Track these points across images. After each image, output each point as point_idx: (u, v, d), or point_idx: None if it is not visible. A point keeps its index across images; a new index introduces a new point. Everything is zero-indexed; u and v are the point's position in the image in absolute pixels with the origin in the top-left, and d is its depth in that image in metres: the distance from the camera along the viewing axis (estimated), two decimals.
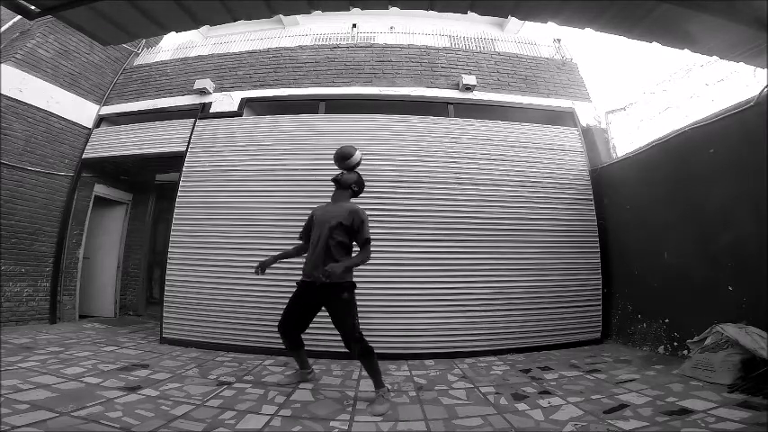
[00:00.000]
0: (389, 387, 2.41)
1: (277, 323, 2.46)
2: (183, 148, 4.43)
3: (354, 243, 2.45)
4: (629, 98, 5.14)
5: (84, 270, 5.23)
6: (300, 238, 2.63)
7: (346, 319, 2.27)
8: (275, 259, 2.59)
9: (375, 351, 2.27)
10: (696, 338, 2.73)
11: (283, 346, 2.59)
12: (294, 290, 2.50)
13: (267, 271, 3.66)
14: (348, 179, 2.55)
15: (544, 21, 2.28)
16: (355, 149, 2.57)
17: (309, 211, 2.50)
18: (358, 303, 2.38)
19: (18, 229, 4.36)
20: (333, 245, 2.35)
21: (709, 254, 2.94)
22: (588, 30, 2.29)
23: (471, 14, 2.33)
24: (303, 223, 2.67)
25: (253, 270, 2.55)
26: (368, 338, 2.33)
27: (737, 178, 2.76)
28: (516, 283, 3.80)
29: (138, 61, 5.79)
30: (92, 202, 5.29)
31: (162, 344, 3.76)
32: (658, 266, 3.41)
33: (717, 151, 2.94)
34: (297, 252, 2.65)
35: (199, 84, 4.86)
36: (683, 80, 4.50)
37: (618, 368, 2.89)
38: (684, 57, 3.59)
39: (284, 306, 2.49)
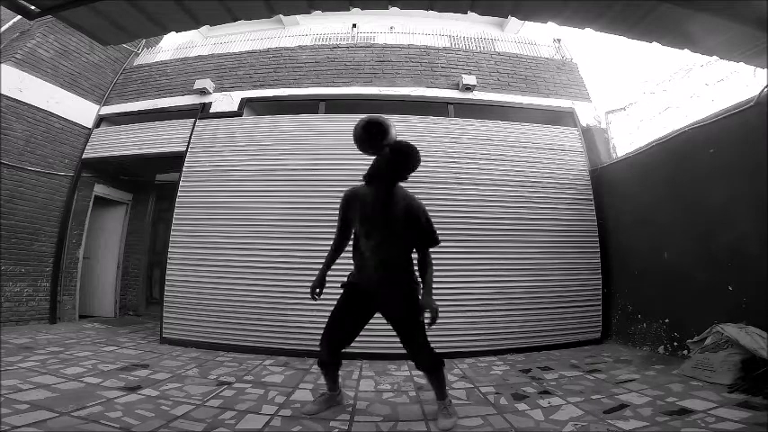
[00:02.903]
0: (451, 398, 2.11)
1: (322, 338, 1.98)
2: (183, 148, 4.42)
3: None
4: (629, 98, 5.15)
5: (84, 270, 5.23)
6: (340, 238, 2.07)
7: (419, 331, 1.90)
8: (325, 273, 2.06)
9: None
10: (696, 338, 2.73)
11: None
12: (342, 296, 2.00)
13: (266, 270, 3.75)
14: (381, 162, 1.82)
15: (544, 21, 2.28)
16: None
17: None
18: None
19: (18, 229, 4.37)
20: (404, 251, 1.92)
21: (709, 254, 2.94)
22: (588, 30, 2.29)
23: (471, 14, 2.33)
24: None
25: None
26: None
27: (737, 178, 2.76)
28: (516, 283, 3.80)
29: (138, 61, 5.80)
30: (92, 202, 5.29)
31: (162, 344, 3.75)
32: (658, 266, 3.41)
33: (717, 151, 2.94)
34: (336, 252, 2.10)
35: (199, 84, 4.86)
36: (683, 80, 4.50)
37: (618, 368, 2.88)
38: (684, 57, 3.60)
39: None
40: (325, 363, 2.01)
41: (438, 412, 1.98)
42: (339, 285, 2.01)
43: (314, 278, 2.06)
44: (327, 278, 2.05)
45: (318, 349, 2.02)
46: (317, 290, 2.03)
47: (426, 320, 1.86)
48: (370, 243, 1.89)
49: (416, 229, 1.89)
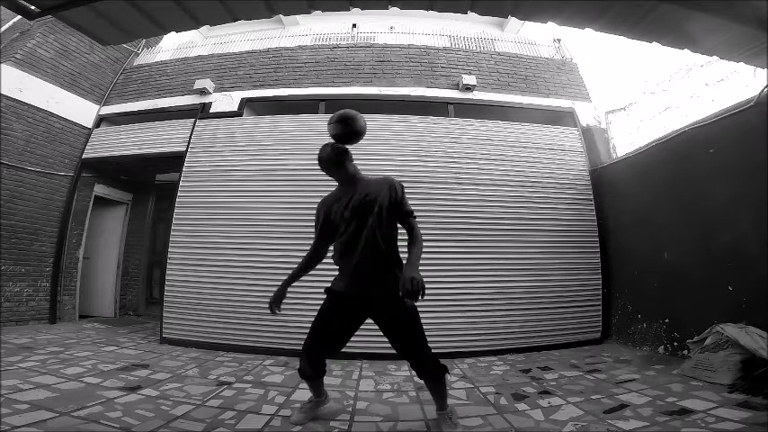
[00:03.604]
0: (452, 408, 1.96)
1: (303, 350, 1.85)
2: (183, 148, 4.43)
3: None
4: (629, 98, 5.15)
5: (84, 270, 5.23)
6: (321, 242, 1.92)
7: (417, 334, 1.74)
8: (285, 288, 1.95)
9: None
10: (696, 338, 2.73)
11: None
12: (325, 302, 1.84)
13: (266, 270, 3.75)
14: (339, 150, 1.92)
15: (544, 21, 2.28)
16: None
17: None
18: None
19: (18, 229, 4.37)
20: (384, 240, 1.75)
21: (709, 253, 2.94)
22: (588, 30, 2.29)
23: (471, 14, 2.33)
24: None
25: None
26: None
27: (737, 178, 2.76)
28: (516, 283, 3.80)
29: (138, 61, 5.80)
30: (92, 202, 5.29)
31: (162, 344, 3.76)
32: (658, 266, 3.41)
33: (717, 151, 2.94)
34: (309, 264, 1.96)
35: (199, 84, 4.86)
36: (683, 80, 4.50)
37: (618, 368, 2.88)
38: (684, 57, 3.60)
39: (285, 307, 2.09)
40: (307, 376, 1.86)
41: (440, 423, 1.84)
42: (323, 290, 1.86)
43: (306, 282, 1.91)
44: (309, 281, 1.94)
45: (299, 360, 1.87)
46: (276, 304, 1.89)
47: (408, 297, 1.48)
48: (351, 240, 1.77)
49: (393, 205, 1.77)
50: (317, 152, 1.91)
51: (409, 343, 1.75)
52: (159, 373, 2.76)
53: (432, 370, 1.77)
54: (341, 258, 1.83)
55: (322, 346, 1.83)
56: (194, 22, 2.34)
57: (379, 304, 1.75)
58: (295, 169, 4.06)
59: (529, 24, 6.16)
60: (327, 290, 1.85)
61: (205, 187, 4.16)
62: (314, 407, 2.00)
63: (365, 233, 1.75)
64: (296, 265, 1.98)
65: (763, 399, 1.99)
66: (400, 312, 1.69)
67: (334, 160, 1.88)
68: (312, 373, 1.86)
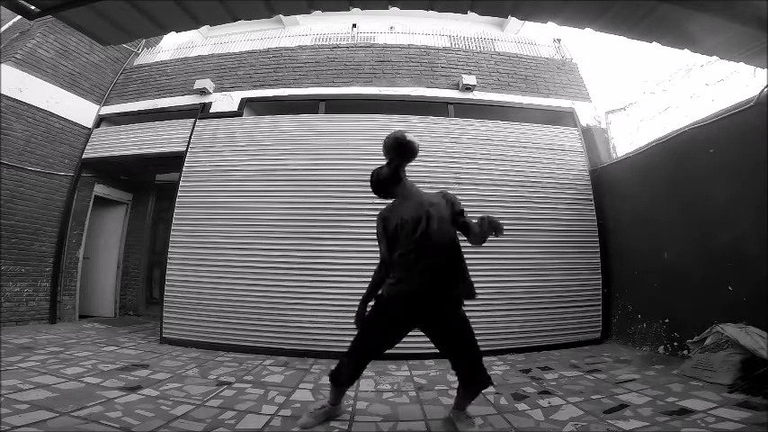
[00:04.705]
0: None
1: (348, 359, 1.88)
2: (183, 148, 4.43)
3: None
4: (629, 98, 5.15)
5: (84, 270, 5.23)
6: (389, 254, 1.89)
7: (473, 341, 1.85)
8: (366, 305, 1.94)
9: None
10: (696, 338, 2.73)
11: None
12: (376, 311, 1.85)
13: (266, 270, 3.75)
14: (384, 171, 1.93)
15: (544, 21, 2.28)
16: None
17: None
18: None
19: (18, 229, 4.37)
20: (449, 245, 1.86)
21: (709, 253, 2.94)
22: (588, 30, 2.29)
23: (471, 14, 2.34)
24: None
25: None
26: None
27: (737, 178, 2.76)
28: (516, 283, 3.79)
29: (138, 61, 5.80)
30: (92, 202, 5.30)
31: (162, 344, 3.76)
32: (658, 266, 3.41)
33: (717, 151, 2.94)
34: (381, 282, 1.92)
35: (199, 84, 4.86)
36: (683, 80, 4.50)
37: (618, 368, 2.89)
38: (684, 57, 3.60)
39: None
40: (341, 383, 1.89)
41: (456, 421, 1.89)
42: (373, 299, 1.88)
43: (306, 283, 1.87)
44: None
45: (337, 363, 1.90)
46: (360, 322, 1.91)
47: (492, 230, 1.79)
48: (416, 248, 1.78)
49: (453, 213, 1.91)
50: (370, 177, 1.93)
51: (467, 350, 1.84)
52: (159, 373, 2.76)
53: (486, 378, 1.84)
54: (404, 267, 1.79)
55: (372, 355, 1.89)
56: (194, 22, 2.34)
57: (438, 311, 1.81)
58: (295, 169, 4.06)
59: (529, 24, 6.16)
60: (380, 298, 1.84)
61: (205, 187, 4.16)
62: (326, 413, 1.96)
63: (431, 240, 1.79)
64: (367, 286, 1.98)
65: (763, 399, 1.99)
66: (457, 319, 1.85)
67: (392, 178, 1.90)
68: (350, 383, 1.91)
